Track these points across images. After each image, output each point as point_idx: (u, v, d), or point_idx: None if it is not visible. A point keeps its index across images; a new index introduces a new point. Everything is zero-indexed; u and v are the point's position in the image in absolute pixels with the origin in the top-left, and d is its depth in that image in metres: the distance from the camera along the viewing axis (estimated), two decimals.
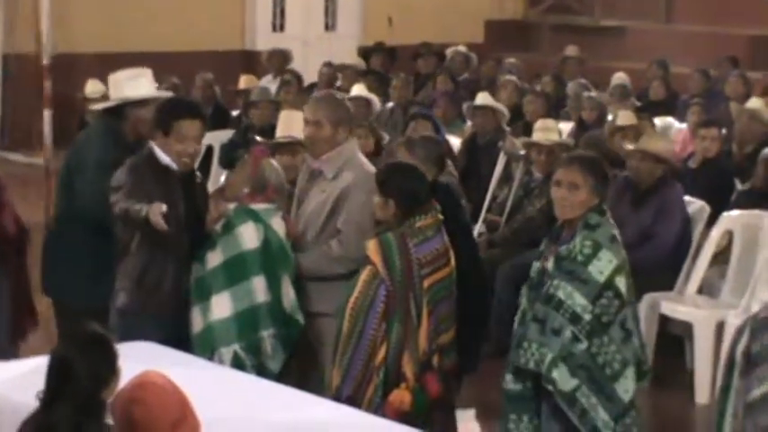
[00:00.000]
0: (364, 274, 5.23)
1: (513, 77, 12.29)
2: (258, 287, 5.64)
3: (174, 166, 5.64)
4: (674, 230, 7.68)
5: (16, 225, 6.55)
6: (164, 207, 5.33)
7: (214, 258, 5.66)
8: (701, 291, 7.75)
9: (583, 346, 4.92)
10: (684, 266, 7.75)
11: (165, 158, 5.64)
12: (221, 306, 5.61)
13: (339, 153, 5.81)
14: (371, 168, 5.89)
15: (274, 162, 6.17)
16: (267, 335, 5.64)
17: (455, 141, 10.14)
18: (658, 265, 7.56)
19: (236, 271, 5.63)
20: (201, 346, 5.59)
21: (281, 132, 7.02)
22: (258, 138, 6.72)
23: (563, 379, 4.91)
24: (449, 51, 14.67)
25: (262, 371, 5.56)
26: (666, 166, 7.86)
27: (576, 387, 4.92)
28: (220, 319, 5.60)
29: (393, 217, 5.36)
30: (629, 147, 8.18)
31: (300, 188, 5.98)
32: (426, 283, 5.28)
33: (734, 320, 6.91)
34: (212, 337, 5.59)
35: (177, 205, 5.55)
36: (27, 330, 6.62)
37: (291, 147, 6.73)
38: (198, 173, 5.95)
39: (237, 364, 5.55)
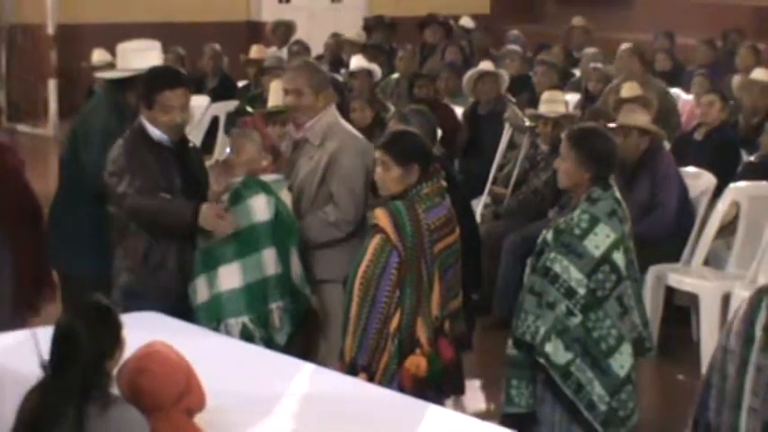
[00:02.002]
0: (374, 243, 5.20)
1: (517, 47, 12.27)
2: (268, 259, 5.63)
3: (165, 139, 5.63)
4: (674, 199, 7.66)
5: (28, 198, 6.55)
6: (216, 206, 5.37)
7: None
8: (707, 262, 7.75)
9: (577, 320, 4.93)
10: (690, 238, 7.74)
11: (155, 132, 5.62)
12: (230, 277, 5.60)
13: (321, 120, 5.86)
14: (355, 132, 5.99)
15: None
16: (276, 307, 5.64)
17: (459, 112, 10.15)
18: (663, 235, 7.55)
19: (246, 243, 5.60)
20: (207, 315, 5.59)
21: (272, 102, 7.01)
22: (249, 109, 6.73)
23: (557, 352, 4.92)
24: (452, 24, 14.65)
25: (269, 343, 5.56)
26: (651, 137, 7.82)
27: (570, 361, 4.93)
28: (229, 290, 5.59)
29: (415, 183, 5.29)
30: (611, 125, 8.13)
31: (286, 161, 6.00)
32: (436, 249, 5.28)
33: (740, 292, 6.91)
34: (220, 307, 5.59)
35: (173, 180, 5.55)
36: (38, 304, 6.62)
37: (283, 116, 6.71)
38: (191, 140, 5.94)
39: (246, 335, 5.54)
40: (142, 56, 6.34)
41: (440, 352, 5.28)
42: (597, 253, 4.94)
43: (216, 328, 5.51)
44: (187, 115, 5.79)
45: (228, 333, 5.52)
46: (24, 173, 6.70)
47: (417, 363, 5.21)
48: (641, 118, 7.88)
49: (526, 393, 5.07)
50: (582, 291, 4.92)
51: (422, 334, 5.23)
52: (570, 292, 4.92)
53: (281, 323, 5.64)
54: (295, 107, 5.89)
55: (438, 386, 5.30)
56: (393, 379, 5.16)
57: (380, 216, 5.23)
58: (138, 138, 5.63)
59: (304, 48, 12.47)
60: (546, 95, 8.74)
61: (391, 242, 5.18)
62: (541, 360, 4.94)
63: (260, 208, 5.64)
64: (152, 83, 5.68)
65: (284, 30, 13.59)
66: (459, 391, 5.68)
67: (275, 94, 7.03)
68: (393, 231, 5.19)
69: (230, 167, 5.72)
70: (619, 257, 4.98)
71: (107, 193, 5.68)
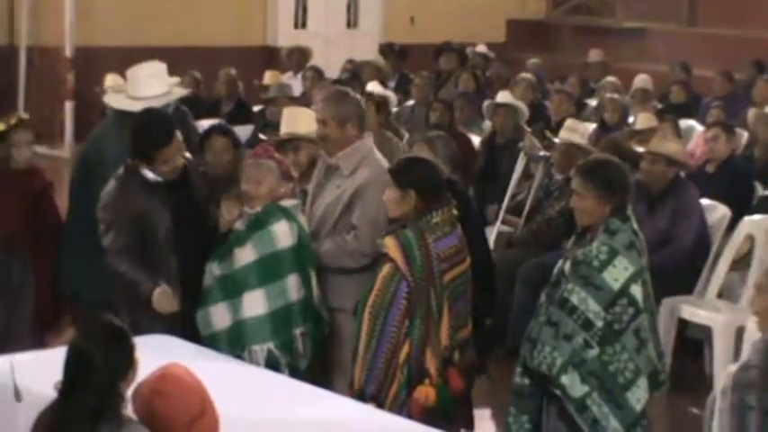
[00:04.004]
0: (384, 272, 5.22)
1: (528, 75, 12.28)
2: (292, 285, 5.62)
3: (159, 179, 5.65)
4: (693, 232, 7.65)
5: (54, 221, 6.58)
6: (168, 290, 5.37)
7: (245, 255, 5.62)
8: (720, 295, 7.72)
9: (594, 352, 4.91)
10: (704, 270, 7.73)
11: (151, 175, 5.65)
12: (255, 304, 5.58)
13: (355, 150, 5.82)
14: (386, 165, 5.90)
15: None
16: (300, 333, 5.64)
17: (474, 140, 10.15)
18: (678, 268, 7.53)
19: (271, 269, 5.59)
20: (231, 342, 5.56)
21: (284, 129, 7.00)
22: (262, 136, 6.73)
23: (573, 385, 4.91)
24: (469, 51, 14.68)
25: (293, 368, 5.56)
26: (678, 168, 7.83)
27: (586, 394, 4.91)
28: (254, 317, 5.57)
29: (413, 210, 5.32)
30: (641, 149, 8.15)
31: (316, 183, 5.98)
32: (446, 279, 5.27)
33: (754, 325, 6.86)
34: (244, 334, 5.56)
35: (164, 220, 5.57)
36: (58, 325, 6.64)
37: (294, 144, 6.70)
38: (191, 158, 5.91)
39: (271, 361, 5.53)
40: (151, 82, 6.37)
41: (449, 382, 5.28)
42: (616, 286, 4.92)
43: (239, 356, 5.50)
44: (183, 151, 5.78)
45: (253, 360, 5.50)
46: (53, 195, 6.74)
47: (426, 393, 5.21)
48: (672, 146, 7.89)
49: (526, 426, 5.05)
50: (599, 323, 4.90)
51: (431, 364, 5.23)
52: (588, 324, 4.90)
53: (304, 348, 5.64)
54: (321, 137, 5.89)
55: (448, 418, 5.28)
56: (402, 408, 5.15)
57: (390, 245, 5.24)
58: (130, 180, 5.63)
59: (318, 73, 12.49)
60: (569, 123, 8.70)
61: (400, 271, 5.19)
62: (557, 392, 4.92)
63: (283, 234, 5.62)
64: (149, 142, 5.65)
65: (299, 55, 13.62)
66: (468, 425, 5.63)
67: (287, 122, 7.03)
68: (402, 260, 5.20)
69: (249, 199, 5.70)
70: (637, 290, 4.96)
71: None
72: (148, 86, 6.37)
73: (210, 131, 6.63)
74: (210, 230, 5.72)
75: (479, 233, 6.21)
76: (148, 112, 6.00)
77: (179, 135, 5.77)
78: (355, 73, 12.59)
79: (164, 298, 5.43)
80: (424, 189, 5.31)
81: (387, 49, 14.80)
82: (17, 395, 3.87)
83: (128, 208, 5.55)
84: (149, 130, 5.74)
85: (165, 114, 5.96)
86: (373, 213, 5.71)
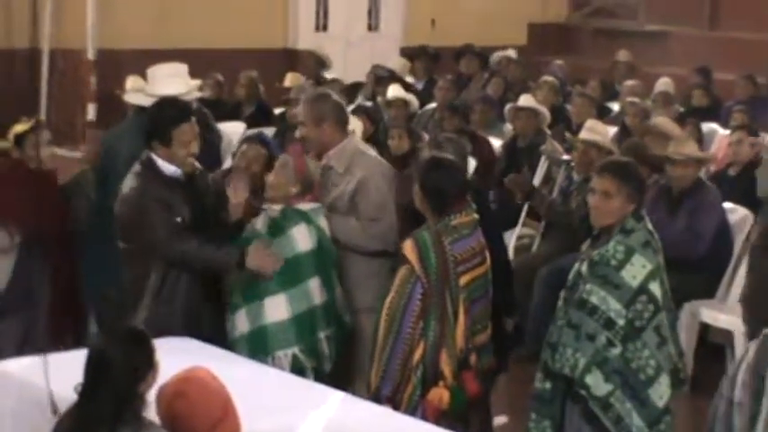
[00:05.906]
0: (400, 274, 5.23)
1: (551, 78, 12.25)
2: (314, 289, 5.63)
3: (178, 173, 5.57)
4: (713, 228, 7.64)
5: (63, 222, 6.60)
6: (261, 245, 5.34)
7: None
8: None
9: (617, 350, 4.91)
10: (726, 274, 7.70)
11: (169, 168, 5.55)
12: (277, 309, 5.58)
13: (343, 148, 5.91)
14: (379, 158, 6.04)
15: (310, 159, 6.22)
16: (324, 336, 5.64)
17: (495, 143, 10.14)
18: (699, 261, 7.51)
19: (291, 274, 5.60)
20: (252, 347, 5.55)
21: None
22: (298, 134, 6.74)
23: (597, 384, 4.91)
24: (496, 56, 14.64)
25: (318, 372, 5.55)
26: (702, 165, 7.85)
27: (610, 392, 4.92)
28: (276, 322, 5.57)
29: (427, 210, 5.34)
30: (674, 156, 8.12)
31: (319, 184, 6.03)
32: (463, 281, 5.26)
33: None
34: (266, 339, 5.56)
35: (184, 216, 5.51)
36: (71, 328, 6.66)
37: None
38: (197, 166, 5.85)
39: (297, 366, 5.53)
40: (171, 81, 6.38)
41: (464, 385, 5.26)
42: (635, 283, 4.93)
43: (263, 361, 5.47)
44: (197, 147, 5.71)
45: (278, 365, 5.49)
46: (61, 198, 6.76)
47: (440, 395, 5.20)
48: (693, 147, 7.92)
49: (548, 431, 5.04)
50: (621, 321, 4.91)
51: (445, 366, 5.22)
52: (609, 323, 4.90)
53: (329, 351, 5.63)
54: (302, 137, 6.03)
55: (463, 422, 5.26)
56: (416, 410, 5.15)
57: (407, 247, 5.25)
58: (149, 178, 5.53)
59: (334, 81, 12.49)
60: (589, 123, 8.69)
61: (415, 273, 5.18)
62: (582, 392, 4.92)
63: (302, 238, 5.64)
64: (165, 119, 5.56)
65: (315, 63, 13.67)
66: (486, 428, 5.60)
67: None
68: (417, 262, 5.20)
69: (267, 188, 5.74)
70: (656, 288, 4.97)
71: (121, 231, 5.62)
72: (168, 85, 6.39)
73: (251, 139, 6.48)
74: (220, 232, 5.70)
75: (497, 236, 6.21)
76: (162, 98, 5.95)
77: (195, 124, 5.67)
78: (393, 74, 12.64)
79: (260, 255, 5.35)
80: (429, 193, 5.32)
81: (420, 52, 14.77)
82: (54, 409, 3.87)
83: (150, 196, 5.46)
84: (164, 110, 5.66)
85: (178, 99, 5.93)
86: (379, 203, 5.80)
